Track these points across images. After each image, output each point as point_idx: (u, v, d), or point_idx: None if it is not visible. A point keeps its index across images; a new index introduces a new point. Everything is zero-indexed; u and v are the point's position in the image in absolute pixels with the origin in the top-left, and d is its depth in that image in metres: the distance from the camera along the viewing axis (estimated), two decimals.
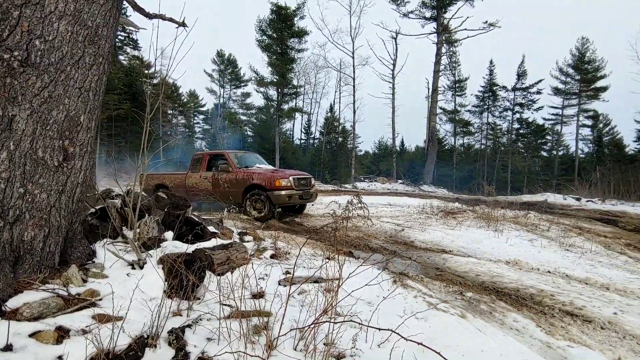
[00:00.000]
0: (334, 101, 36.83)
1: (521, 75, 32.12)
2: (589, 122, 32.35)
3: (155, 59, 4.87)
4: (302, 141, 38.82)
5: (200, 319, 2.47)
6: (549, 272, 4.69)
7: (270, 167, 9.46)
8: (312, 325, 2.19)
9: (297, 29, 28.57)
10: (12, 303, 2.27)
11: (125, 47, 29.62)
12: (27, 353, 1.88)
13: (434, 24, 25.15)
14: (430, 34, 25.45)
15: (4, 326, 1.97)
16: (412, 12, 25.45)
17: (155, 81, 28.30)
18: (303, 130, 39.19)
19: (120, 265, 3.15)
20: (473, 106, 34.52)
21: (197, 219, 4.54)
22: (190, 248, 3.25)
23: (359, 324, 2.31)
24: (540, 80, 31.50)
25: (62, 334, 2.04)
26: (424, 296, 3.47)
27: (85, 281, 2.72)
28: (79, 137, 2.85)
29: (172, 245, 3.62)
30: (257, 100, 49.57)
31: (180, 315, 2.55)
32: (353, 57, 28.52)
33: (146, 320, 2.27)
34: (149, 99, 4.02)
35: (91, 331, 2.10)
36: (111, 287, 2.41)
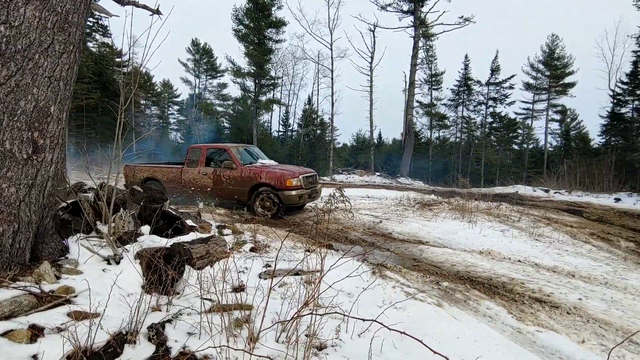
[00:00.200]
0: (312, 93, 36.71)
1: (495, 70, 32.91)
2: (557, 117, 33.63)
3: (130, 47, 4.70)
4: (280, 133, 38.52)
5: (181, 314, 2.44)
6: (519, 261, 4.89)
7: (273, 162, 9.17)
8: (295, 318, 2.21)
9: (274, 19, 28.13)
10: None
11: (94, 33, 28.36)
12: (0, 353, 1.82)
13: (411, 18, 25.35)
14: (407, 27, 25.66)
15: None
16: (389, 4, 25.55)
17: (126, 70, 27.28)
18: (281, 122, 38.87)
19: (95, 260, 3.07)
20: (449, 100, 35.20)
21: (174, 213, 4.46)
22: (168, 242, 3.20)
23: (343, 314, 2.35)
24: (512, 76, 32.44)
25: (36, 332, 1.98)
26: (402, 286, 3.56)
27: (58, 278, 2.64)
28: (50, 129, 2.74)
29: (150, 240, 3.55)
30: (234, 91, 48.75)
31: (160, 310, 2.52)
32: (331, 49, 28.44)
33: (125, 316, 2.23)
34: (123, 88, 3.89)
35: (67, 329, 2.05)
36: (88, 284, 2.34)
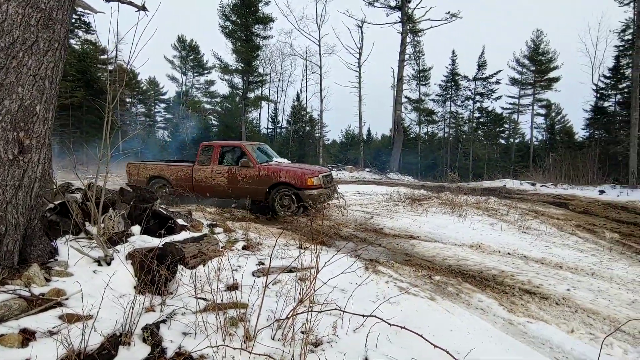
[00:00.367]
0: (300, 90, 36.44)
1: (481, 65, 33.25)
2: (542, 111, 34.17)
3: (116, 45, 4.62)
4: (269, 130, 38.34)
5: (175, 314, 2.43)
6: (508, 253, 4.98)
7: (286, 160, 9.05)
8: (291, 316, 2.22)
9: (262, 15, 27.88)
10: None
11: (77, 30, 27.73)
12: None
13: (399, 13, 25.38)
14: (395, 23, 25.70)
15: None
16: (377, 0, 25.56)
17: (111, 67, 26.78)
18: (270, 119, 38.67)
19: (85, 262, 3.02)
20: (436, 95, 35.47)
21: (165, 212, 4.42)
22: (160, 242, 3.17)
23: (343, 311, 2.36)
24: (499, 71, 32.80)
25: (27, 336, 1.95)
26: (395, 281, 3.59)
27: (48, 280, 2.59)
28: (36, 129, 2.68)
29: (141, 240, 3.51)
30: (221, 88, 48.28)
31: (154, 310, 2.50)
32: (319, 45, 28.35)
33: (118, 317, 2.21)
34: (110, 87, 3.82)
35: (60, 332, 2.02)
36: (80, 286, 2.31)
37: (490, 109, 33.98)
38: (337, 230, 6.19)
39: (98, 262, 3.04)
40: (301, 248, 4.56)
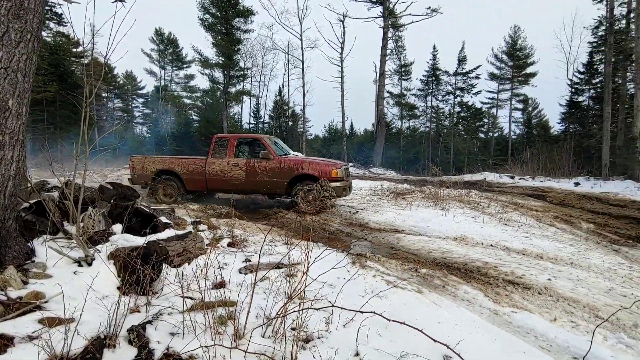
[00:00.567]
0: (282, 84, 36.05)
1: (462, 60, 33.72)
2: (520, 106, 34.98)
3: (93, 37, 4.45)
4: (252, 125, 37.89)
5: (161, 314, 2.37)
6: (491, 245, 5.08)
7: (300, 154, 8.87)
8: (283, 315, 2.19)
9: (242, 8, 27.45)
10: None
11: (48, 22, 26.63)
12: None
13: (380, 8, 25.42)
14: (376, 17, 25.73)
15: None
16: None
17: (86, 61, 25.85)
18: (252, 114, 38.20)
19: (64, 263, 2.91)
20: (418, 90, 35.82)
21: (147, 210, 4.30)
22: (146, 240, 3.08)
23: (343, 308, 2.35)
24: (478, 66, 33.38)
25: (5, 342, 1.86)
26: (382, 275, 3.61)
27: (26, 283, 2.48)
28: (8, 124, 2.55)
29: (123, 239, 3.41)
30: (202, 82, 47.27)
31: (139, 311, 2.43)
32: (301, 40, 28.13)
33: (102, 320, 2.13)
34: (87, 80, 3.68)
35: (40, 336, 1.93)
36: (61, 288, 2.21)
37: (470, 103, 34.59)
38: (323, 225, 6.18)
39: (78, 262, 2.94)
40: (287, 244, 4.53)
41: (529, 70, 32.77)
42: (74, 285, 2.56)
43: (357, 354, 2.16)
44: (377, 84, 26.97)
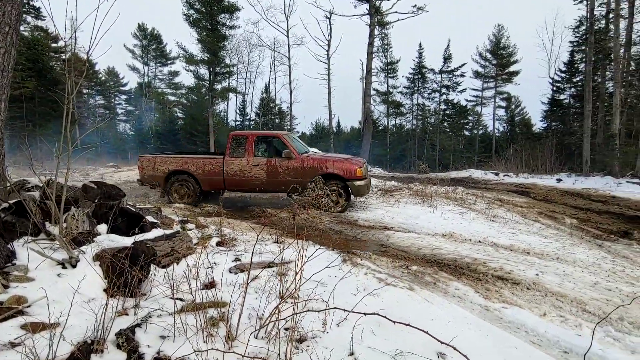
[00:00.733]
0: (269, 81, 35.80)
1: (447, 58, 34.06)
2: (503, 104, 35.55)
3: (75, 31, 4.30)
4: (238, 123, 37.50)
5: (151, 316, 2.31)
6: (479, 241, 5.14)
7: (319, 151, 8.58)
8: (276, 315, 2.16)
9: (227, 4, 27.04)
10: None
11: (25, 15, 25.76)
12: None
13: (367, 5, 25.43)
14: (363, 15, 25.71)
15: None
16: None
17: (65, 56, 25.14)
18: (238, 111, 37.80)
19: (47, 265, 2.81)
20: (404, 87, 36.05)
21: (133, 209, 4.20)
22: (135, 239, 3.00)
23: (342, 309, 2.33)
24: (463, 64, 33.77)
25: None
26: (374, 272, 3.61)
27: (6, 287, 2.38)
28: None
29: (109, 239, 3.31)
30: (186, 79, 46.61)
31: (127, 314, 2.36)
32: (288, 36, 27.93)
33: (89, 324, 2.06)
34: (69, 77, 3.55)
35: (23, 343, 1.85)
36: (44, 291, 2.13)
37: (455, 101, 34.98)
38: (313, 223, 6.15)
39: (62, 264, 2.84)
40: (277, 242, 4.49)
41: (512, 68, 33.32)
42: (58, 288, 2.47)
43: (351, 353, 2.14)
44: (364, 81, 26.98)
